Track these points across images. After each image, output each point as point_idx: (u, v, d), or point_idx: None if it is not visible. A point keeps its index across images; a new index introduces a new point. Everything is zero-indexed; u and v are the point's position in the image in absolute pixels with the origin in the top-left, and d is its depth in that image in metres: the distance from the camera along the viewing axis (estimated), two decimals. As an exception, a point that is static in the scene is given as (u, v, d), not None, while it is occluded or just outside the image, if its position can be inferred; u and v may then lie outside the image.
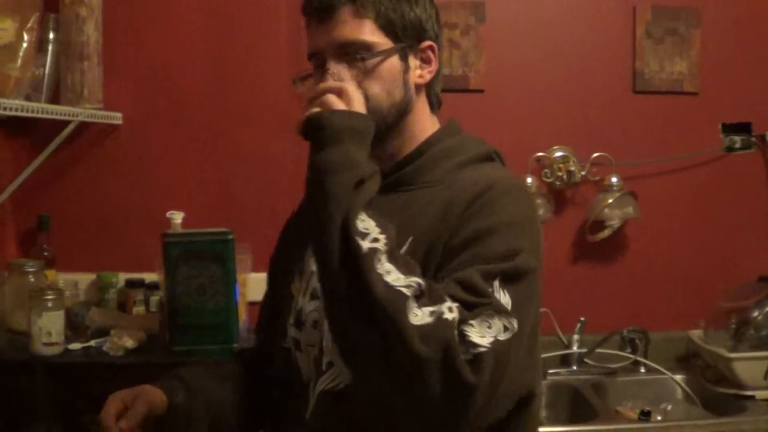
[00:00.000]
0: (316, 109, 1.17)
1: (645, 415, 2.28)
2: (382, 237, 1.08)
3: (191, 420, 1.33)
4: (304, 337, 1.32)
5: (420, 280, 1.07)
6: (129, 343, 2.19)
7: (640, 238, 2.70)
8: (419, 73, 1.33)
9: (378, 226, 1.10)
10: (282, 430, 1.37)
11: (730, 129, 2.61)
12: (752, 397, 2.32)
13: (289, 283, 1.39)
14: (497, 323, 1.08)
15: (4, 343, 2.22)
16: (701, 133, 2.67)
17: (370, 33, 1.26)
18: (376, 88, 1.27)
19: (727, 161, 2.68)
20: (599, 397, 2.43)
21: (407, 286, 1.05)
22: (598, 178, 2.63)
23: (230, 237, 2.13)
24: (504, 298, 1.11)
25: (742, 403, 2.30)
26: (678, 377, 2.54)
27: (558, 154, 2.62)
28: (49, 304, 2.16)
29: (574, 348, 2.60)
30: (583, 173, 2.62)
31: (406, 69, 1.31)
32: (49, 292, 2.19)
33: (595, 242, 2.65)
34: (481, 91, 2.63)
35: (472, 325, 1.06)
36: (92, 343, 2.25)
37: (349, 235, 1.07)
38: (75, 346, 2.23)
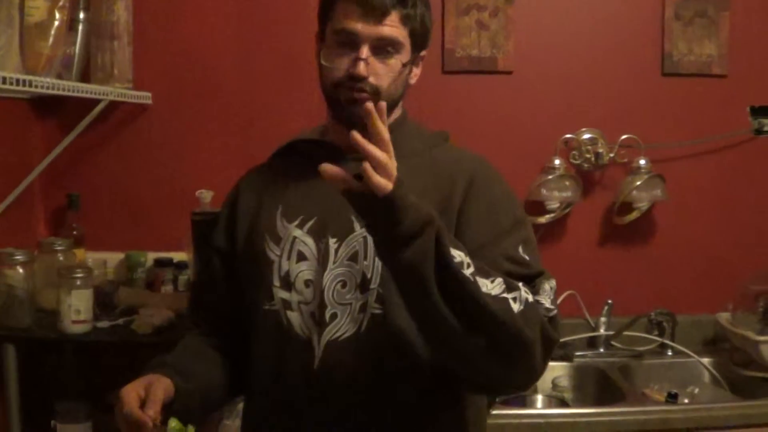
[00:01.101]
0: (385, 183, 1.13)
1: (672, 398, 2.27)
2: (467, 257, 1.19)
3: (191, 402, 1.39)
4: (295, 297, 1.39)
5: (499, 278, 1.22)
6: (157, 321, 2.19)
7: (668, 220, 2.69)
8: (411, 74, 1.48)
9: (457, 248, 1.19)
10: (283, 384, 1.40)
11: (758, 112, 2.59)
12: (780, 381, 2.31)
13: (264, 247, 1.44)
14: (546, 286, 1.30)
15: (34, 320, 2.23)
16: (729, 115, 2.65)
17: (405, 39, 1.40)
18: (391, 85, 1.39)
19: (755, 144, 2.66)
20: (626, 380, 2.43)
21: (502, 291, 1.21)
22: (626, 160, 2.62)
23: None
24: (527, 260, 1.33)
25: (770, 387, 2.29)
26: (705, 360, 2.54)
27: (586, 136, 2.61)
28: (78, 283, 2.16)
29: (602, 330, 2.60)
30: (611, 155, 2.61)
31: (410, 71, 1.46)
32: (78, 270, 2.20)
33: (623, 225, 2.64)
34: (509, 72, 2.62)
35: (539, 294, 1.28)
36: (120, 321, 2.26)
37: (453, 271, 1.16)
38: (103, 324, 2.24)
